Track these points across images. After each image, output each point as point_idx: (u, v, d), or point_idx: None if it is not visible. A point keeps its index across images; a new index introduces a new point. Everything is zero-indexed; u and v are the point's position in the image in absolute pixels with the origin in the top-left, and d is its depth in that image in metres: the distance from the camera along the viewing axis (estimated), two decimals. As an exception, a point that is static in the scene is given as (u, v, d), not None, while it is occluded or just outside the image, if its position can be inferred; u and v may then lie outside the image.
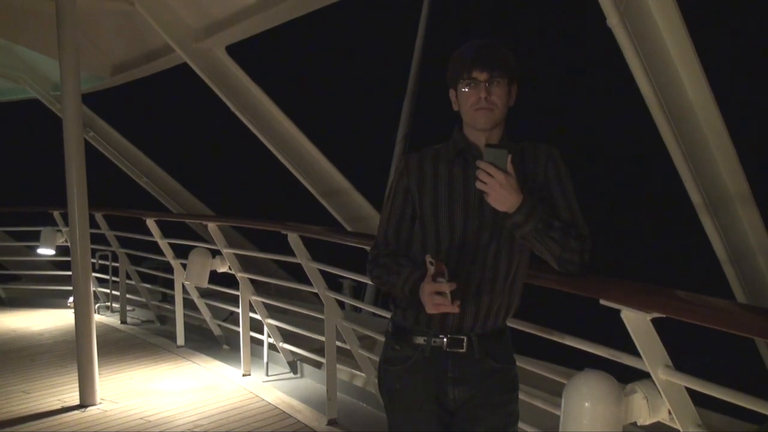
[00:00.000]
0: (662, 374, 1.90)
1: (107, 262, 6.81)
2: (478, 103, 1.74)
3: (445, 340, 1.84)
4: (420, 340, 1.86)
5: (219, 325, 5.50)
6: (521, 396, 2.01)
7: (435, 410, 1.88)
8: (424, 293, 1.70)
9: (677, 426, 1.96)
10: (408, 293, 1.79)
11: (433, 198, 1.83)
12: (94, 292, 6.12)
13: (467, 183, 1.80)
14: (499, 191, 1.67)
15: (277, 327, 4.66)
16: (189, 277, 5.02)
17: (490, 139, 1.79)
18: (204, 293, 5.48)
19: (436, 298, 1.66)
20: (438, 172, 1.84)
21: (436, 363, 1.86)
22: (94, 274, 6.50)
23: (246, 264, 5.16)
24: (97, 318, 5.66)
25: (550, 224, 1.72)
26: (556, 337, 2.32)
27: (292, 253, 3.97)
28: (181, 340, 5.52)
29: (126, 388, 4.47)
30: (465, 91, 1.76)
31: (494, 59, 1.74)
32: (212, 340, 5.57)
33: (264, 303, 4.73)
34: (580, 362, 2.11)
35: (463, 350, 1.84)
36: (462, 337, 1.84)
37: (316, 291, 3.98)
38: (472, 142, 1.82)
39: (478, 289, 1.81)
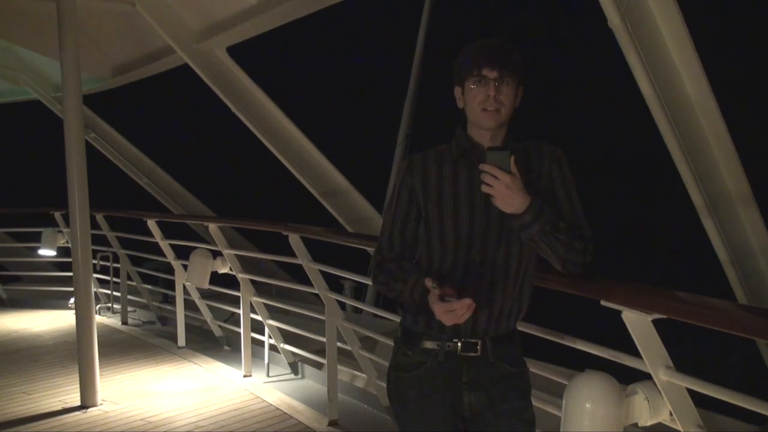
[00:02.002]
0: (663, 375, 1.90)
1: (108, 263, 6.81)
2: (485, 102, 1.73)
3: (459, 344, 1.82)
4: (433, 344, 1.84)
5: (220, 326, 5.50)
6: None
7: (450, 417, 1.86)
8: (437, 312, 1.69)
9: (678, 427, 1.95)
10: (418, 300, 1.77)
11: (437, 199, 1.81)
12: (95, 293, 6.14)
13: (472, 183, 1.78)
14: (506, 193, 1.66)
15: (278, 328, 4.66)
16: (190, 278, 5.03)
17: (495, 139, 1.79)
18: (205, 294, 5.49)
19: (450, 315, 1.66)
20: (442, 173, 1.82)
21: (451, 368, 1.83)
22: (95, 275, 6.50)
23: (247, 265, 5.16)
24: (98, 319, 5.66)
25: (556, 225, 1.71)
26: (557, 338, 2.32)
27: (292, 254, 3.97)
28: (182, 341, 5.52)
29: (127, 389, 4.47)
30: (473, 88, 1.74)
31: (505, 58, 1.73)
32: (213, 341, 5.58)
33: (265, 304, 4.73)
34: (581, 363, 2.10)
35: (477, 354, 1.82)
36: (476, 340, 1.82)
37: (316, 292, 3.98)
38: (476, 142, 1.80)
39: (490, 291, 1.80)
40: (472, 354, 1.82)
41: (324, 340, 3.91)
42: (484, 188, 1.69)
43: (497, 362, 1.84)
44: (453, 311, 1.65)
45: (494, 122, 1.75)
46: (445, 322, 1.70)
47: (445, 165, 1.83)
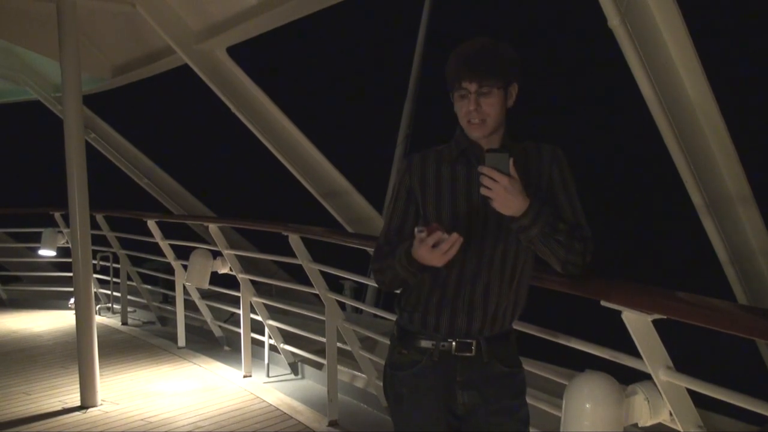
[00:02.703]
0: (663, 375, 1.90)
1: (108, 264, 6.81)
2: (468, 115, 1.73)
3: (453, 343, 1.82)
4: (428, 344, 1.84)
5: (220, 327, 5.50)
6: (522, 397, 2.00)
7: (444, 415, 1.86)
8: (422, 253, 1.64)
9: (678, 427, 1.96)
10: (407, 263, 1.73)
11: (436, 198, 1.82)
12: (95, 293, 6.13)
13: (470, 183, 1.78)
14: (504, 196, 1.65)
15: (278, 328, 4.67)
16: (190, 278, 5.03)
17: (491, 143, 1.78)
18: (205, 294, 5.49)
19: (435, 250, 1.62)
20: (441, 172, 1.82)
21: (445, 367, 1.84)
22: (95, 276, 6.50)
23: (247, 265, 5.16)
24: (98, 319, 5.66)
25: (556, 227, 1.71)
26: (557, 339, 2.32)
27: (292, 255, 3.97)
28: (182, 341, 5.52)
29: (127, 389, 4.47)
30: (458, 100, 1.75)
31: (484, 68, 1.69)
32: (213, 342, 5.58)
33: (265, 304, 4.73)
34: (581, 363, 2.10)
35: (472, 354, 1.82)
36: (471, 340, 1.82)
37: (316, 292, 3.98)
38: (474, 141, 1.80)
39: (486, 292, 1.80)
40: (467, 354, 1.82)
41: (324, 340, 3.91)
42: (483, 191, 1.67)
43: (491, 362, 1.84)
44: (438, 247, 1.62)
45: (480, 133, 1.75)
46: (435, 263, 1.66)
47: (444, 164, 1.83)
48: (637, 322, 1.89)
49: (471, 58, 1.71)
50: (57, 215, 6.88)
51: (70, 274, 4.29)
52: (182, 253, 5.39)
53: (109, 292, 6.96)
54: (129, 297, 6.64)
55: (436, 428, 1.87)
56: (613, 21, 2.87)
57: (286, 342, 4.69)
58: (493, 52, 1.72)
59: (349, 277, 4.15)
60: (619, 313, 1.92)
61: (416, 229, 1.67)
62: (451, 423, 1.87)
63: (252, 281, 4.76)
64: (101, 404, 4.14)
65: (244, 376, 4.68)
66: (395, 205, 1.89)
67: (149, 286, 6.56)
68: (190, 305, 5.63)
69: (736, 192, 3.35)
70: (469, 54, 1.72)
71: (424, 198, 1.83)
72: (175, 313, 5.61)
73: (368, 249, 3.14)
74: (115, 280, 6.85)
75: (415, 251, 1.68)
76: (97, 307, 6.72)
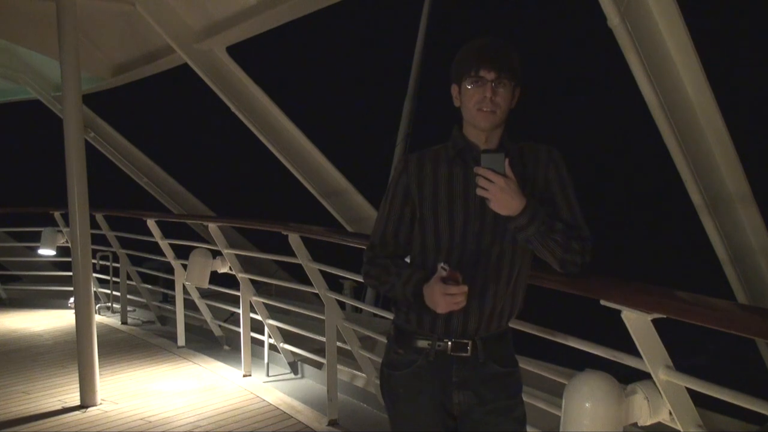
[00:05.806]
0: (663, 375, 1.90)
1: (108, 263, 6.81)
2: (481, 103, 1.72)
3: (449, 343, 1.82)
4: (424, 343, 1.85)
5: (220, 326, 5.50)
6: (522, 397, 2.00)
7: (440, 415, 1.87)
8: (435, 293, 1.70)
9: (678, 427, 1.96)
10: (410, 295, 1.78)
11: (433, 198, 1.81)
12: (95, 292, 6.14)
13: (467, 183, 1.78)
14: (500, 196, 1.66)
15: (278, 327, 4.67)
16: (190, 278, 5.03)
17: (490, 140, 1.79)
18: (205, 294, 5.49)
19: (449, 297, 1.68)
20: (438, 173, 1.82)
21: (441, 367, 1.84)
22: (95, 275, 6.50)
23: (247, 264, 5.16)
24: (98, 318, 5.66)
25: (553, 226, 1.71)
26: (557, 338, 2.32)
27: (292, 254, 3.97)
28: (181, 340, 5.52)
29: (126, 388, 4.47)
30: (470, 88, 1.74)
31: (503, 59, 1.72)
32: (213, 341, 5.58)
33: (265, 303, 4.73)
34: (580, 363, 2.11)
35: (468, 354, 1.83)
36: (466, 341, 1.82)
37: (316, 291, 3.98)
38: (471, 141, 1.80)
39: (482, 292, 1.80)
40: (462, 354, 1.83)
41: (324, 339, 3.91)
42: (479, 191, 1.68)
43: (487, 362, 1.84)
44: (452, 295, 1.67)
45: (489, 123, 1.75)
46: (439, 308, 1.71)
47: (441, 165, 1.83)
48: (637, 322, 1.89)
49: (491, 49, 1.74)
50: (57, 214, 6.88)
51: (70, 274, 4.28)
52: (182, 253, 5.39)
53: (108, 291, 6.96)
54: (129, 296, 6.64)
55: (432, 428, 1.87)
56: (614, 20, 2.87)
57: (286, 341, 4.69)
58: (510, 49, 1.76)
59: (348, 276, 4.14)
60: (618, 312, 1.92)
61: (440, 265, 1.72)
62: (447, 422, 1.88)
63: (252, 281, 4.76)
64: (101, 403, 4.14)
65: (244, 376, 4.68)
66: (391, 206, 1.89)
67: (149, 286, 6.56)
68: (189, 305, 5.63)
69: (736, 192, 3.35)
70: (488, 45, 1.75)
71: (421, 199, 1.83)
72: (174, 312, 5.61)
73: (368, 248, 3.13)
74: (114, 279, 6.84)
75: (429, 287, 1.72)
76: (97, 306, 6.71)
